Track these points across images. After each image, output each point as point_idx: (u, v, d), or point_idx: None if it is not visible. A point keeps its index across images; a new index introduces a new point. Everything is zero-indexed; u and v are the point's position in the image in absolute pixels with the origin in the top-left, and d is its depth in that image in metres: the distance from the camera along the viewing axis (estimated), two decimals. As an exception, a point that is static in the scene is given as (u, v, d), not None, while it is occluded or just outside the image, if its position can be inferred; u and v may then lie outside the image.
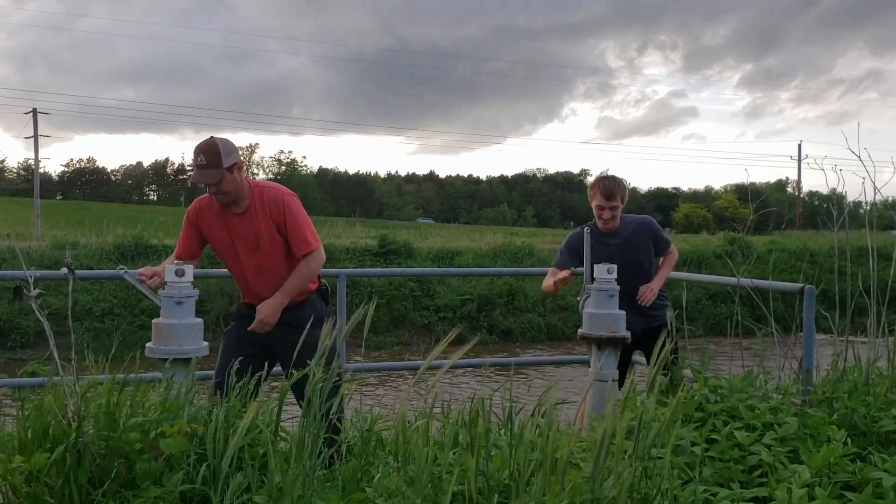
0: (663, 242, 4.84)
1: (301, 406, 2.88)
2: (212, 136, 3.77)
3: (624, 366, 4.70)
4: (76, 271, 3.05)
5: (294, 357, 2.99)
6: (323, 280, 4.09)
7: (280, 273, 3.83)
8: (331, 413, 2.73)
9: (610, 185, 4.64)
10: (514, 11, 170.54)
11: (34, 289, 2.60)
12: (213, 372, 3.81)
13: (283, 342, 3.83)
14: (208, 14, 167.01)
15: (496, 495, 2.19)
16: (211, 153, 3.67)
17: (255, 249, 3.81)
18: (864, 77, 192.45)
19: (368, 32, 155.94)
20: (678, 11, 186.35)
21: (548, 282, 4.70)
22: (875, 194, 4.20)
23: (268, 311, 3.77)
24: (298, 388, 2.98)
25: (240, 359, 3.13)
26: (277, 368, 4.08)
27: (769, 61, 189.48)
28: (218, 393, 3.19)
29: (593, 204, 4.69)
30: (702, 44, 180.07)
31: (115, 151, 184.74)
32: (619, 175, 4.71)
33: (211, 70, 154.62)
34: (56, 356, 2.49)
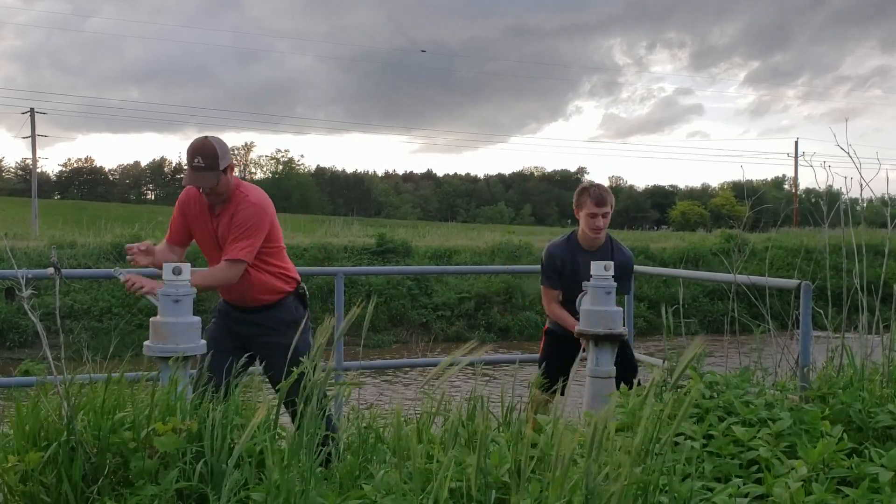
0: (624, 288, 4.60)
1: (286, 408, 2.88)
2: (206, 137, 3.69)
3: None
4: (63, 271, 3.03)
5: (270, 360, 2.95)
6: (301, 283, 4.01)
7: (251, 274, 3.75)
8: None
9: (600, 191, 4.56)
10: (523, 11, 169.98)
11: (27, 289, 2.58)
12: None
13: (256, 343, 3.82)
14: (216, 15, 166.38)
15: (494, 492, 2.19)
16: (208, 156, 3.60)
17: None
18: (872, 74, 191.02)
19: (376, 32, 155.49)
20: (687, 10, 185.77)
21: (566, 318, 4.53)
22: (861, 190, 4.22)
23: (145, 280, 3.53)
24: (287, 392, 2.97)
25: (220, 353, 3.13)
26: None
27: (776, 59, 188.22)
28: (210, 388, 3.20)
29: (583, 213, 4.57)
30: (709, 42, 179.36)
31: (116, 151, 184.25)
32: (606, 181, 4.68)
33: (217, 70, 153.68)
34: (49, 355, 2.48)
